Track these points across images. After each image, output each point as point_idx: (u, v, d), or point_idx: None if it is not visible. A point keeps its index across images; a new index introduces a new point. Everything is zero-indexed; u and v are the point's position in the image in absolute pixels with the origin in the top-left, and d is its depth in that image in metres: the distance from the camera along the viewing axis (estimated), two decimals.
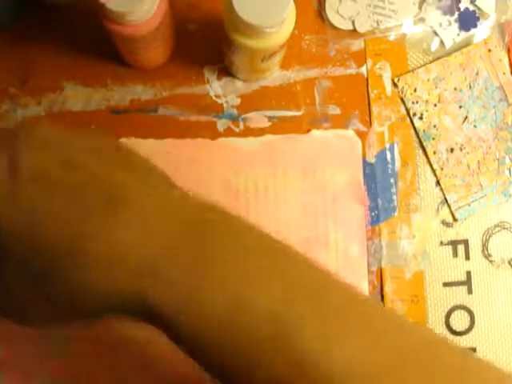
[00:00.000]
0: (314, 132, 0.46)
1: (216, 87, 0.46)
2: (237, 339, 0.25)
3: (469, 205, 0.47)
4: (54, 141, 0.28)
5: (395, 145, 0.47)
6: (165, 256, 0.26)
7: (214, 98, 0.46)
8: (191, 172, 0.45)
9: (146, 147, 0.44)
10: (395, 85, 0.47)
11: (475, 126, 0.47)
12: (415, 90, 0.47)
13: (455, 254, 0.47)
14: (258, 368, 0.25)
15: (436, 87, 0.47)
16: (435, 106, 0.47)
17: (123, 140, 0.44)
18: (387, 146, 0.47)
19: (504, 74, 0.48)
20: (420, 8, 0.48)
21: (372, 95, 0.47)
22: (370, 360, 0.25)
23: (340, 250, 0.45)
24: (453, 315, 0.46)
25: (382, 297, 0.45)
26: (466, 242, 0.47)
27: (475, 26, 0.48)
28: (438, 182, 0.47)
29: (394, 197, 0.46)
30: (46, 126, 0.29)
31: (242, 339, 0.25)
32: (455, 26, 0.48)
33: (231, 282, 0.26)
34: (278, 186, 0.45)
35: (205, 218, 0.28)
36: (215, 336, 0.25)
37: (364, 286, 0.45)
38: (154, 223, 0.26)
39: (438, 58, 0.48)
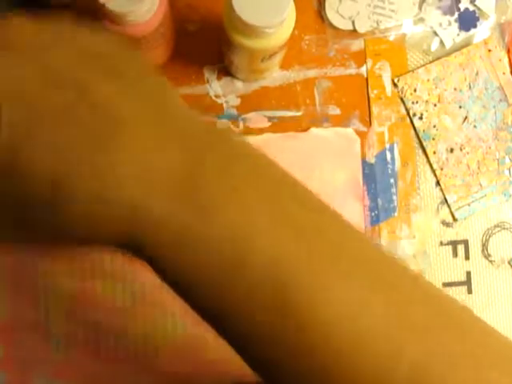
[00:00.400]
0: (313, 130, 0.46)
1: (216, 87, 0.46)
2: (234, 290, 0.23)
3: (469, 205, 0.47)
4: (34, 42, 0.24)
5: (395, 145, 0.47)
6: (160, 194, 0.23)
7: (213, 98, 0.46)
8: None
9: None
10: (395, 85, 0.47)
11: (475, 126, 0.47)
12: (415, 90, 0.47)
13: (455, 254, 0.47)
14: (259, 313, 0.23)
15: (436, 87, 0.47)
16: (435, 106, 0.47)
17: None
18: (387, 146, 0.47)
19: (504, 74, 0.48)
20: (420, 8, 0.48)
21: (372, 95, 0.47)
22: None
23: None
24: None
25: None
26: (465, 242, 0.47)
27: (475, 26, 0.48)
28: (437, 182, 0.47)
29: (394, 197, 0.46)
30: (24, 22, 0.25)
31: (240, 291, 0.23)
32: (455, 26, 0.48)
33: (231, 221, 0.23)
34: None
35: (207, 146, 0.25)
36: (209, 280, 0.23)
37: None
38: (151, 157, 0.23)
39: (438, 58, 0.48)
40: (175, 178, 0.23)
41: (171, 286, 0.25)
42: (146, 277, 0.43)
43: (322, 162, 0.46)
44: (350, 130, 0.46)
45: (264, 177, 0.26)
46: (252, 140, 0.45)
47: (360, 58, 0.47)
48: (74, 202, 0.23)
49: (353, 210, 0.46)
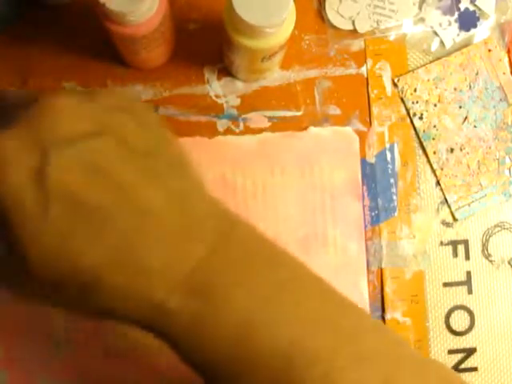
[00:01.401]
0: (312, 129, 0.46)
1: (216, 87, 0.46)
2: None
3: (469, 205, 0.47)
4: (79, 142, 0.25)
5: (395, 145, 0.47)
6: (178, 289, 0.25)
7: (213, 98, 0.46)
8: None
9: None
10: (395, 85, 0.47)
11: (475, 126, 0.47)
12: (415, 90, 0.47)
13: (455, 254, 0.47)
14: None
15: (436, 87, 0.47)
16: (435, 106, 0.47)
17: None
18: (387, 145, 0.47)
19: (504, 74, 0.48)
20: (420, 8, 0.48)
21: (372, 95, 0.47)
22: None
23: (338, 247, 0.45)
24: (453, 315, 0.46)
25: (382, 297, 0.45)
26: (465, 242, 0.47)
27: (475, 26, 0.48)
28: (437, 182, 0.47)
29: (394, 197, 0.46)
30: (71, 104, 0.26)
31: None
32: (455, 26, 0.48)
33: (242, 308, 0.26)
34: (276, 183, 0.45)
35: (229, 237, 0.27)
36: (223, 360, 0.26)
37: (363, 284, 0.45)
38: (174, 254, 0.26)
39: (438, 58, 0.48)
40: (194, 274, 0.25)
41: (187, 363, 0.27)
42: None
43: (322, 161, 0.46)
44: (348, 129, 0.46)
45: (275, 268, 0.28)
46: (251, 139, 0.45)
47: (360, 57, 0.47)
48: (99, 294, 0.25)
49: (352, 210, 0.46)
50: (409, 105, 0.47)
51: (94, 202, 0.24)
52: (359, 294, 0.45)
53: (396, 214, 0.46)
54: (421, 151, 0.47)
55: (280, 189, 0.45)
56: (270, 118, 0.46)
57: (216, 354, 0.26)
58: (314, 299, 0.28)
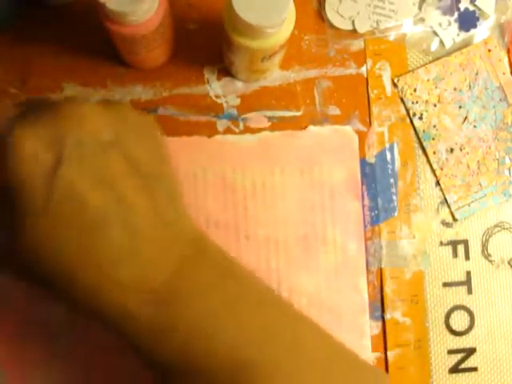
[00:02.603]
0: (311, 128, 0.46)
1: (216, 87, 0.46)
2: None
3: (469, 205, 0.47)
4: (94, 149, 0.28)
5: (395, 145, 0.47)
6: (146, 301, 0.28)
7: (213, 98, 0.46)
8: (188, 169, 0.45)
9: None
10: (395, 85, 0.47)
11: (475, 126, 0.48)
12: (415, 90, 0.47)
13: (455, 254, 0.47)
14: None
15: (436, 87, 0.47)
16: (435, 106, 0.47)
17: None
18: (387, 145, 0.47)
19: (504, 74, 0.48)
20: (420, 8, 0.48)
21: (372, 95, 0.47)
22: None
23: (338, 246, 0.45)
24: (453, 315, 0.46)
25: (382, 297, 0.45)
26: (465, 242, 0.47)
27: (475, 26, 0.48)
28: (437, 182, 0.47)
29: (394, 197, 0.46)
30: (94, 113, 0.28)
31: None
32: (455, 26, 0.48)
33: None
34: (276, 182, 0.45)
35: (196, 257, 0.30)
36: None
37: (362, 284, 0.45)
38: (150, 268, 0.28)
39: (438, 58, 0.48)
40: (162, 289, 0.28)
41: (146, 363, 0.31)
42: None
43: (321, 160, 0.46)
44: (348, 128, 0.46)
45: (227, 283, 0.31)
46: (251, 139, 0.45)
47: (360, 57, 0.47)
48: (72, 291, 0.28)
49: (351, 209, 0.46)
50: (409, 105, 0.47)
51: (92, 207, 0.27)
52: (359, 294, 0.45)
53: (396, 213, 0.46)
54: (420, 151, 0.47)
55: (279, 188, 0.45)
56: (269, 118, 0.46)
57: (169, 357, 0.29)
58: (260, 312, 0.30)
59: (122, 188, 0.27)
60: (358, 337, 0.45)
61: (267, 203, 0.45)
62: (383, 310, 0.45)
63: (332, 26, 0.47)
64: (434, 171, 0.47)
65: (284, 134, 0.46)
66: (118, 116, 0.29)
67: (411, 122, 0.47)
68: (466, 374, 0.46)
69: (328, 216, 0.45)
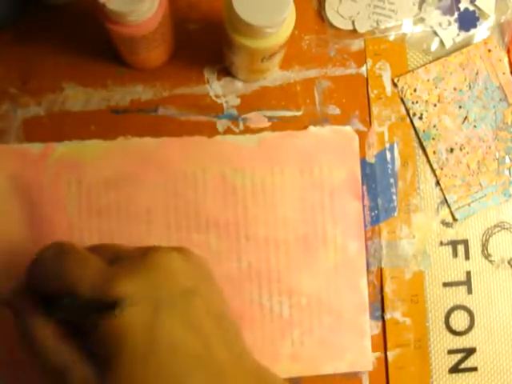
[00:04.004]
0: (311, 128, 0.46)
1: (216, 87, 0.46)
2: None
3: (469, 205, 0.47)
4: (182, 298, 0.29)
5: (395, 145, 0.47)
6: None
7: (213, 98, 0.46)
8: (188, 169, 0.45)
9: (143, 145, 0.44)
10: (395, 85, 0.47)
11: (475, 126, 0.48)
12: (415, 90, 0.47)
13: (455, 254, 0.47)
14: None
15: (436, 87, 0.47)
16: (435, 106, 0.47)
17: (121, 139, 0.44)
18: (387, 145, 0.47)
19: (504, 74, 0.48)
20: (420, 8, 0.48)
21: (372, 95, 0.47)
22: None
23: (338, 246, 0.45)
24: (453, 315, 0.46)
25: (382, 297, 0.45)
26: (465, 242, 0.47)
27: (475, 26, 0.48)
28: (437, 182, 0.47)
29: (394, 197, 0.46)
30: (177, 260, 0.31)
31: None
32: (455, 26, 0.48)
33: None
34: (276, 183, 0.45)
35: None
36: None
37: (363, 284, 0.45)
38: None
39: (438, 58, 0.48)
40: None
41: None
42: None
43: (321, 160, 0.46)
44: (348, 128, 0.46)
45: None
46: (251, 139, 0.45)
47: (360, 58, 0.47)
48: None
49: (352, 209, 0.46)
50: (409, 105, 0.47)
51: (185, 352, 0.28)
52: (359, 293, 0.45)
53: (396, 213, 0.46)
54: (421, 151, 0.47)
55: (279, 188, 0.45)
56: (269, 118, 0.46)
57: None
58: None
59: (206, 331, 0.29)
60: (358, 337, 0.45)
61: (267, 203, 0.45)
62: (383, 310, 0.45)
63: (332, 25, 0.47)
64: (434, 171, 0.47)
65: (284, 135, 0.46)
66: (195, 265, 0.32)
67: (411, 121, 0.47)
68: (466, 373, 0.46)
69: (328, 216, 0.45)
